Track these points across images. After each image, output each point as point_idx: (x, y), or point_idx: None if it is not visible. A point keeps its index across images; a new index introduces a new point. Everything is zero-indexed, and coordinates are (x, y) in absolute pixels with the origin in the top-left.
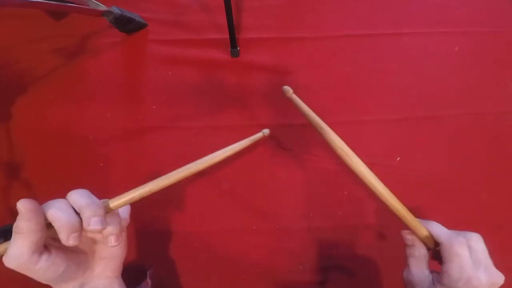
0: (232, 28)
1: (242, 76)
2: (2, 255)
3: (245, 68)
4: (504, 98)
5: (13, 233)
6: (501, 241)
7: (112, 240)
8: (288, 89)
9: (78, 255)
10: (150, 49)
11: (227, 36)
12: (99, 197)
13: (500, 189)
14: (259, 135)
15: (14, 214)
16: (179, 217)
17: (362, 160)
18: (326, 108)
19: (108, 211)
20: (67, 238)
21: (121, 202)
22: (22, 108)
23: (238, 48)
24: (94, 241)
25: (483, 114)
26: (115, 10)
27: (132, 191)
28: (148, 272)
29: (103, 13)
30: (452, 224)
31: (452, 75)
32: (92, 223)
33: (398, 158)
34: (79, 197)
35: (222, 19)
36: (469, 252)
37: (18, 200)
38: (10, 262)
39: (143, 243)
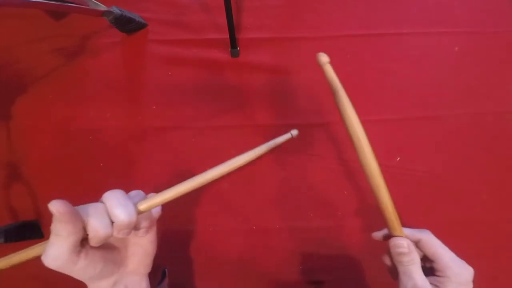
0: (232, 28)
1: (242, 76)
2: (40, 255)
3: (245, 68)
4: (504, 98)
5: (51, 234)
6: (501, 241)
7: (140, 233)
8: (323, 58)
9: (113, 252)
10: (150, 49)
11: (227, 36)
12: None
13: (499, 189)
14: (287, 136)
15: (14, 214)
16: (177, 217)
17: None
18: (326, 108)
19: (141, 212)
20: (96, 244)
21: (156, 202)
22: (22, 108)
23: (238, 48)
24: (126, 238)
25: (483, 114)
26: (115, 10)
27: (166, 191)
28: (166, 271)
29: (103, 13)
30: (452, 224)
31: (452, 75)
32: (122, 234)
33: (398, 158)
34: (115, 205)
35: (222, 19)
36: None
37: (19, 200)
38: (50, 263)
39: None
